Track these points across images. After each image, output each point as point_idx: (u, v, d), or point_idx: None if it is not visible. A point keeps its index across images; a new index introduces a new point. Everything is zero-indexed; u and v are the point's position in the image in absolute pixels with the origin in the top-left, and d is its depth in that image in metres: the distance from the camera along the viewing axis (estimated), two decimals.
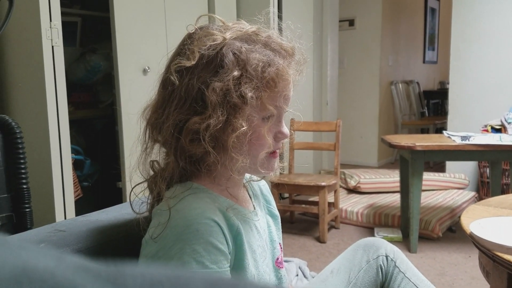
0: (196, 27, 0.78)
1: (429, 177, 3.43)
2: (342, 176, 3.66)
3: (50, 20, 1.98)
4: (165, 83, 0.76)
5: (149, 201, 0.81)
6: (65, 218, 2.06)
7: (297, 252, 2.57)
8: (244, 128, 0.72)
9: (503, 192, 3.08)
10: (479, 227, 1.22)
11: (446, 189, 3.49)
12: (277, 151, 0.81)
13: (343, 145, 3.56)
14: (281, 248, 0.92)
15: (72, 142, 2.20)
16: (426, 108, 5.87)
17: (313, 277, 1.60)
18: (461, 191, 3.46)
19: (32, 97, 2.05)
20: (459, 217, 1.49)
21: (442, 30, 6.16)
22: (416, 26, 5.70)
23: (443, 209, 3.00)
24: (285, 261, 2.11)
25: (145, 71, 2.42)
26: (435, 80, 6.48)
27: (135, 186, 0.81)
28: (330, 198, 2.98)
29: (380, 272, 1.06)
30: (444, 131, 2.77)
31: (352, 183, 3.55)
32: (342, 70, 4.87)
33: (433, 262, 2.40)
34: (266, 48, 0.75)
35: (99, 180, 2.71)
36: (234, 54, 0.72)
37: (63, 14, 2.07)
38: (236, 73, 0.71)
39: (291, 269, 2.12)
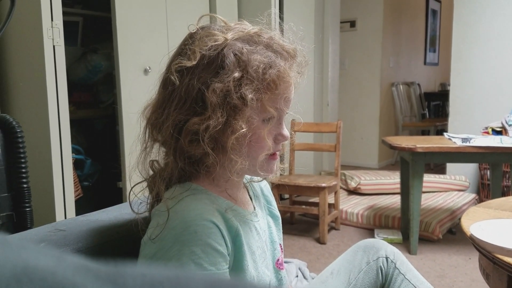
0: (198, 27, 0.78)
1: (429, 179, 3.43)
2: (343, 177, 3.66)
3: (52, 20, 1.98)
4: (166, 82, 0.76)
5: (149, 201, 0.80)
6: (65, 217, 2.06)
7: (297, 253, 2.57)
8: (243, 130, 0.71)
9: (504, 194, 3.08)
10: (480, 229, 1.22)
11: (446, 191, 3.49)
12: (277, 153, 0.80)
13: (343, 146, 3.56)
14: (281, 249, 0.91)
15: (72, 142, 2.20)
16: (427, 109, 5.87)
17: (313, 278, 1.60)
18: (461, 193, 3.46)
19: (33, 96, 2.05)
20: (460, 219, 1.49)
21: (443, 31, 6.16)
22: (417, 27, 5.70)
23: (444, 211, 2.99)
24: (285, 262, 2.11)
25: (146, 71, 2.42)
26: (436, 82, 6.48)
27: (134, 185, 0.80)
28: (331, 199, 2.98)
29: (380, 273, 1.06)
30: (444, 133, 2.77)
31: (352, 184, 3.55)
32: (343, 71, 4.86)
33: (433, 264, 2.39)
34: (268, 50, 0.74)
35: (100, 179, 2.71)
36: (235, 55, 0.72)
37: (64, 13, 2.07)
38: (236, 74, 0.71)
39: (291, 270, 2.12)
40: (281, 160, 0.86)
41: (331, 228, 2.99)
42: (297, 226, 3.07)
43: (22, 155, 1.23)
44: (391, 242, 2.30)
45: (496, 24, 3.43)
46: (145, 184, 0.81)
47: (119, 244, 0.85)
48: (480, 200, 3.41)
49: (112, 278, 0.21)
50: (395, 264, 1.06)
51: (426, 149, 2.35)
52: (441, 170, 4.30)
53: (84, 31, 2.76)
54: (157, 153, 0.79)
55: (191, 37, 0.76)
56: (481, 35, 3.50)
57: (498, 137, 2.45)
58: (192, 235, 0.66)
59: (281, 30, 0.82)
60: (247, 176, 0.90)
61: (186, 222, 0.67)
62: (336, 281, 1.07)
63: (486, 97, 3.51)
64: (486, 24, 3.47)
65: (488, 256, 1.15)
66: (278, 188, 2.73)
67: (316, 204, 2.94)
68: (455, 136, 2.55)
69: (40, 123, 2.03)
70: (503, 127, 2.86)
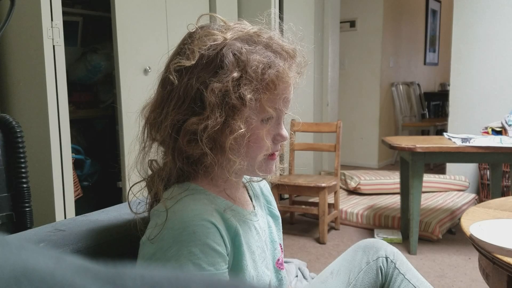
0: (197, 26, 0.77)
1: (429, 179, 3.43)
2: (342, 177, 3.66)
3: (52, 20, 1.98)
4: (164, 82, 0.75)
5: (147, 201, 0.80)
6: (65, 217, 2.06)
7: (297, 253, 2.57)
8: (242, 130, 0.71)
9: (503, 194, 3.08)
10: (479, 229, 1.22)
11: (446, 191, 3.49)
12: (276, 153, 0.80)
13: (343, 146, 3.56)
14: (281, 249, 0.91)
15: (72, 142, 2.20)
16: (426, 109, 5.87)
17: (312, 278, 1.60)
18: (461, 193, 3.46)
19: (33, 96, 2.05)
20: (459, 219, 1.49)
21: (443, 32, 6.16)
22: (417, 27, 5.70)
23: (443, 211, 3.00)
24: (285, 262, 2.11)
25: (145, 71, 2.42)
26: (435, 82, 6.48)
27: (133, 185, 0.80)
28: (330, 199, 2.98)
29: (380, 273, 1.06)
30: (444, 133, 2.77)
31: (352, 184, 3.55)
32: (343, 71, 4.87)
33: (433, 264, 2.40)
34: (267, 50, 0.74)
35: (99, 179, 2.71)
36: (234, 55, 0.72)
37: (64, 13, 2.07)
38: (235, 74, 0.70)
39: (291, 270, 2.12)
40: (281, 160, 0.86)
41: (331, 228, 2.99)
42: (297, 226, 3.07)
43: (22, 155, 1.23)
44: (391, 242, 2.30)
45: (496, 24, 3.43)
46: (144, 184, 0.81)
47: (119, 244, 0.85)
48: (480, 200, 3.41)
49: (111, 279, 0.21)
50: (395, 264, 1.06)
51: (426, 149, 2.35)
52: (441, 170, 4.31)
53: (84, 31, 2.76)
54: (156, 152, 0.79)
55: (190, 36, 0.76)
56: (481, 35, 3.50)
57: (498, 137, 2.45)
58: (190, 235, 0.66)
59: (281, 30, 0.81)
60: (247, 176, 0.90)
61: (185, 223, 0.67)
62: (336, 281, 1.07)
63: (486, 97, 3.51)
64: (486, 24, 3.47)
65: (488, 256, 1.15)
66: (278, 188, 2.73)
67: (316, 204, 2.95)
68: (455, 136, 2.55)
69: (40, 123, 2.03)
70: (503, 127, 2.86)
